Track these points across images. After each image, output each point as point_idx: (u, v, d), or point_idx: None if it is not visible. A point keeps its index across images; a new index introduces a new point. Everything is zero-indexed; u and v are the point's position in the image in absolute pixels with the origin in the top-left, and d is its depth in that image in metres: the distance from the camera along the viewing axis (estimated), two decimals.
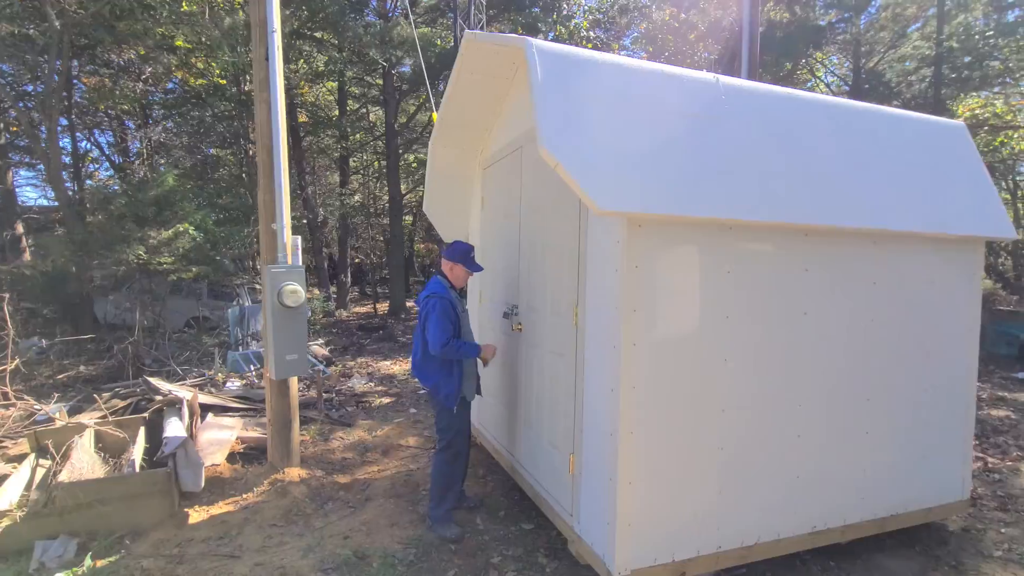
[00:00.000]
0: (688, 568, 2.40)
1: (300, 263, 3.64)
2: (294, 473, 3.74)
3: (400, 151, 13.54)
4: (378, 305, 14.48)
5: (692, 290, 2.34)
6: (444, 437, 3.13)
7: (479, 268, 3.26)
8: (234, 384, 5.66)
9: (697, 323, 2.35)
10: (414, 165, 14.42)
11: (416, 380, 3.33)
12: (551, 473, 2.89)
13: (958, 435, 3.07)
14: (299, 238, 3.65)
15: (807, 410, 2.62)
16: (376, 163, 15.94)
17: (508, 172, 3.59)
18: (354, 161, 15.98)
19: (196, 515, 3.26)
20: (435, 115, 4.52)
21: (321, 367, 6.61)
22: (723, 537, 2.47)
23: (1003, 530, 3.19)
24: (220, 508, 3.36)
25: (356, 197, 13.49)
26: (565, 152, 2.09)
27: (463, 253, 3.17)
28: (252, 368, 6.40)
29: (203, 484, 3.33)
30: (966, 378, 3.07)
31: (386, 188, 14.07)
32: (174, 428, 3.60)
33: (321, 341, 8.21)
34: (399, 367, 7.71)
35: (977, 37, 11.32)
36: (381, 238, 20.24)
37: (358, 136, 14.81)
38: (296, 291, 3.49)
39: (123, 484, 3.04)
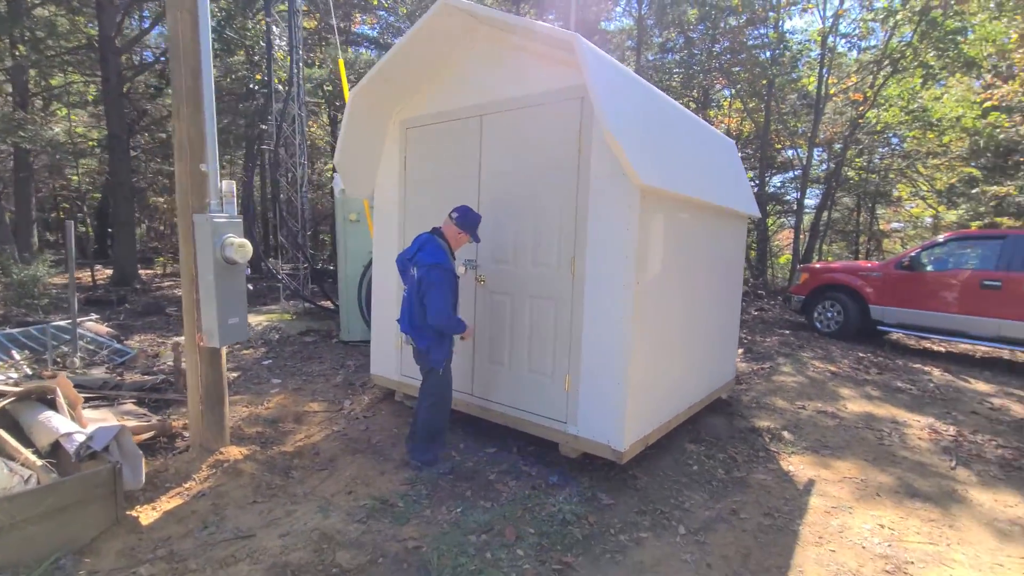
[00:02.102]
0: (649, 439, 3.43)
1: (236, 211, 3.17)
2: (234, 451, 3.30)
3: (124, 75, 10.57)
4: (95, 273, 11.23)
5: (659, 243, 3.28)
6: (432, 392, 3.33)
7: (479, 240, 3.40)
8: (5, 375, 4.13)
9: (660, 267, 3.32)
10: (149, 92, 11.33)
11: (407, 336, 3.32)
12: (536, 395, 3.50)
13: (736, 336, 4.94)
14: (233, 182, 3.16)
15: (700, 324, 3.94)
16: (81, 86, 11.93)
17: (455, 137, 3.85)
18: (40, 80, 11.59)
19: (147, 515, 2.68)
20: (341, 61, 4.22)
21: (118, 346, 5.27)
22: (662, 415, 3.58)
23: (747, 393, 5.26)
24: (170, 503, 2.82)
25: (56, 129, 9.94)
26: (622, 139, 2.72)
27: (474, 224, 3.30)
28: (15, 354, 4.64)
29: (144, 479, 2.72)
30: (739, 300, 4.94)
31: (93, 120, 10.80)
32: (63, 422, 2.74)
33: (95, 316, 6.28)
34: None
35: (650, 71, 15.54)
36: (68, 185, 15.36)
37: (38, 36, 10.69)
38: (244, 244, 3.07)
39: (55, 493, 2.30)
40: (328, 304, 8.27)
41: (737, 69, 14.98)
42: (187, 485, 2.99)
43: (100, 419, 3.23)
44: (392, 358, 4.40)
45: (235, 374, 5.27)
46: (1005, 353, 7.86)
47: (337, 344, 6.54)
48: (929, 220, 19.58)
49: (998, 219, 16.52)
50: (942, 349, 8.12)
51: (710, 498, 3.22)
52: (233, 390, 4.79)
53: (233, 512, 2.79)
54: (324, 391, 4.87)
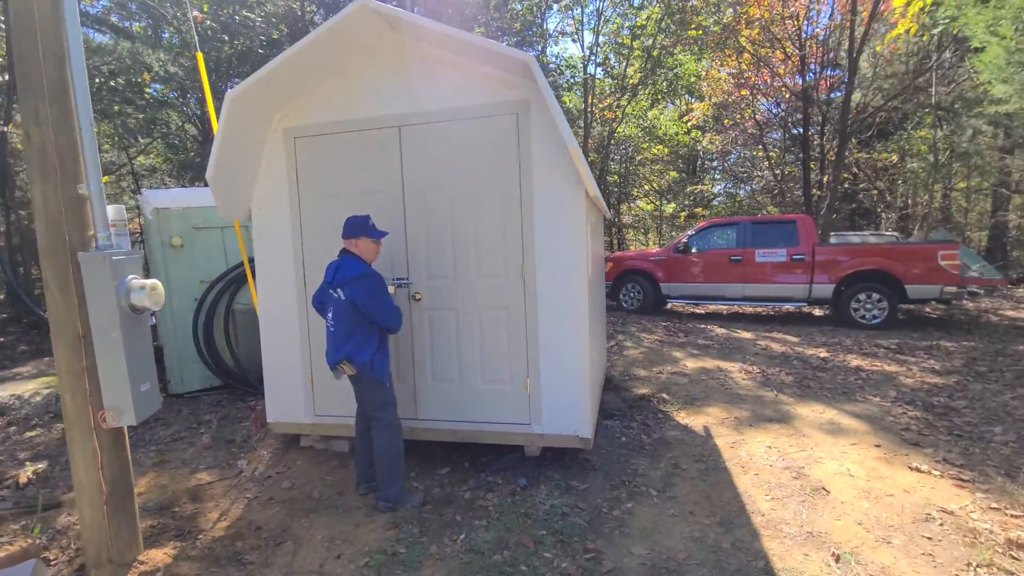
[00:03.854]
0: (594, 422, 3.80)
1: (129, 243, 2.43)
2: (157, 556, 2.51)
3: None
4: None
5: (589, 244, 3.65)
6: (385, 414, 3.12)
7: (383, 233, 3.18)
8: None
9: (589, 265, 3.70)
10: None
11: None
12: (494, 405, 3.52)
13: (605, 322, 5.68)
14: (122, 206, 2.41)
15: (598, 313, 4.45)
16: None
17: (367, 148, 3.59)
18: None
19: None
20: (200, 55, 3.44)
21: None
22: (596, 400, 3.98)
23: (613, 369, 6.07)
24: None
25: None
26: (576, 152, 2.97)
27: (361, 225, 3.10)
28: None
29: None
30: (604, 288, 5.69)
31: None
32: None
33: None
34: None
35: None
36: None
37: None
38: (156, 286, 2.39)
39: None
40: None
41: None
42: None
43: None
44: (299, 398, 3.85)
45: (40, 465, 3.86)
46: (735, 308, 10.61)
47: (168, 398, 5.27)
48: (647, 213, 24.65)
49: (696, 209, 21.84)
50: (701, 311, 10.53)
51: (652, 460, 3.74)
52: (56, 487, 3.54)
53: None
54: (198, 457, 3.96)
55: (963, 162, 14.64)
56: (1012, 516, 2.87)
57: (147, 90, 9.46)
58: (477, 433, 3.57)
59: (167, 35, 13.14)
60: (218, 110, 3.45)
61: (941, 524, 2.84)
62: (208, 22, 9.66)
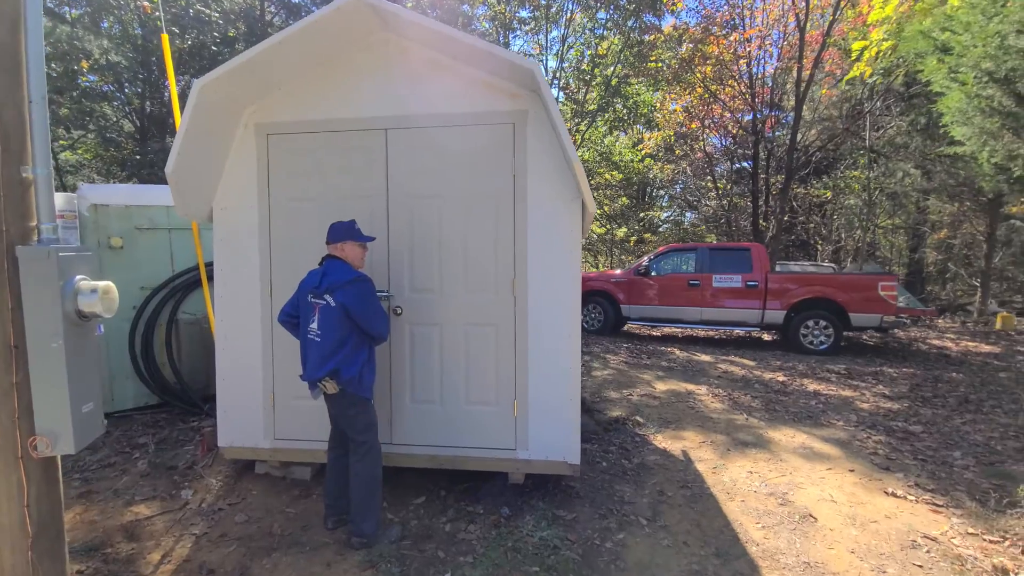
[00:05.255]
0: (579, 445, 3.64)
1: (78, 238, 2.08)
2: None
3: None
4: None
5: (580, 257, 3.55)
6: (367, 437, 2.85)
7: (370, 238, 2.97)
8: None
9: (579, 281, 3.59)
10: None
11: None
12: (477, 428, 3.29)
13: None
14: (73, 195, 2.07)
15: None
16: None
17: (349, 151, 3.35)
18: None
19: None
20: (165, 37, 3.08)
21: None
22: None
23: (583, 390, 5.95)
24: None
25: None
26: (578, 165, 2.87)
27: (347, 229, 2.88)
28: None
29: None
30: None
31: None
32: None
33: None
34: None
35: None
36: None
37: None
38: (110, 290, 2.05)
39: None
40: None
41: None
42: None
43: None
44: (258, 420, 3.48)
45: None
46: (689, 331, 10.88)
47: None
48: (598, 236, 25.17)
49: (645, 235, 22.52)
50: (658, 333, 10.70)
51: (636, 487, 3.62)
52: None
53: None
54: (133, 487, 3.48)
55: (892, 201, 15.86)
56: (990, 542, 2.93)
57: (84, 79, 8.66)
58: (458, 459, 3.33)
59: (106, 25, 12.26)
60: (166, 101, 3.11)
61: (928, 551, 2.86)
62: (156, 13, 9.04)
